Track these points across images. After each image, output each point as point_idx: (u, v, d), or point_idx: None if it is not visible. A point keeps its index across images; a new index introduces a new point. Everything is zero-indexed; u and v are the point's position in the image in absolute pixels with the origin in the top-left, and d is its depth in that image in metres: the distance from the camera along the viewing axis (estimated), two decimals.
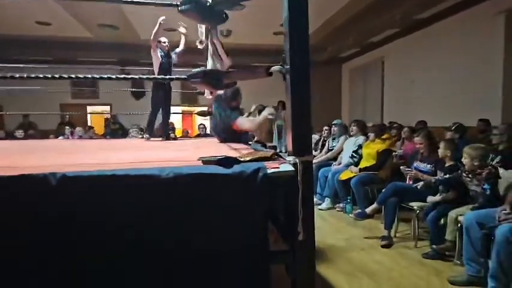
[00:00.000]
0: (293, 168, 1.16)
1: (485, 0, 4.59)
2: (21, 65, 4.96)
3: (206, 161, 1.23)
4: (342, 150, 4.88)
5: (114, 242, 1.04)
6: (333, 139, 5.23)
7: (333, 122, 5.32)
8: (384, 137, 4.27)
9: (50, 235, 1.00)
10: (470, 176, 2.65)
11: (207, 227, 1.09)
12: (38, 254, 1.00)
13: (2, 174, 1.01)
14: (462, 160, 2.68)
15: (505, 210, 2.21)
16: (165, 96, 3.66)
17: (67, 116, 7.94)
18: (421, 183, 3.07)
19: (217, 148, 2.04)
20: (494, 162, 2.67)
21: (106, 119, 8.27)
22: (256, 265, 1.12)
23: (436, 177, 2.95)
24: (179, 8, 1.85)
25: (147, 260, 1.06)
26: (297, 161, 1.16)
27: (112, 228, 1.04)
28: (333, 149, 5.11)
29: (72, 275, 1.01)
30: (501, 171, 2.63)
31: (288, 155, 1.23)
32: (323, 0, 5.15)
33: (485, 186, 2.50)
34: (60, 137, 6.25)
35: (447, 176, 2.84)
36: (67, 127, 6.87)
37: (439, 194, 2.96)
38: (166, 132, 3.72)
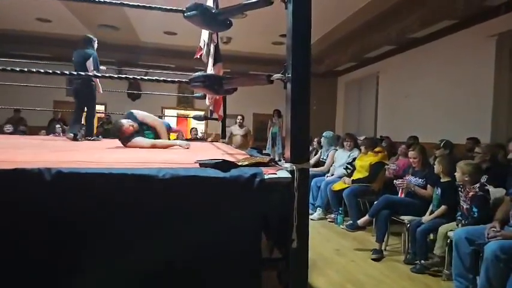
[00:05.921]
0: (290, 175, 1.17)
1: (478, 23, 4.74)
2: (17, 60, 4.90)
3: (203, 164, 1.23)
4: (333, 162, 4.92)
5: (107, 241, 1.03)
6: (326, 150, 5.27)
7: (323, 134, 5.35)
8: (376, 150, 4.32)
9: (41, 232, 0.98)
10: (461, 190, 2.70)
11: (200, 230, 1.09)
12: (29, 250, 0.97)
13: None
14: (455, 174, 2.73)
15: (494, 227, 2.25)
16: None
17: (59, 113, 7.77)
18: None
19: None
20: (482, 182, 2.71)
21: (100, 119, 8.17)
22: (248, 271, 1.11)
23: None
24: (185, 14, 1.85)
25: (136, 261, 1.04)
26: (294, 168, 1.17)
27: (105, 227, 1.03)
28: (324, 161, 5.15)
29: (63, 272, 0.99)
30: (490, 188, 2.68)
31: (286, 162, 1.24)
32: (322, 14, 5.27)
33: (474, 209, 2.52)
34: (51, 135, 6.15)
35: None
36: (58, 125, 6.76)
37: (429, 213, 2.99)
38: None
